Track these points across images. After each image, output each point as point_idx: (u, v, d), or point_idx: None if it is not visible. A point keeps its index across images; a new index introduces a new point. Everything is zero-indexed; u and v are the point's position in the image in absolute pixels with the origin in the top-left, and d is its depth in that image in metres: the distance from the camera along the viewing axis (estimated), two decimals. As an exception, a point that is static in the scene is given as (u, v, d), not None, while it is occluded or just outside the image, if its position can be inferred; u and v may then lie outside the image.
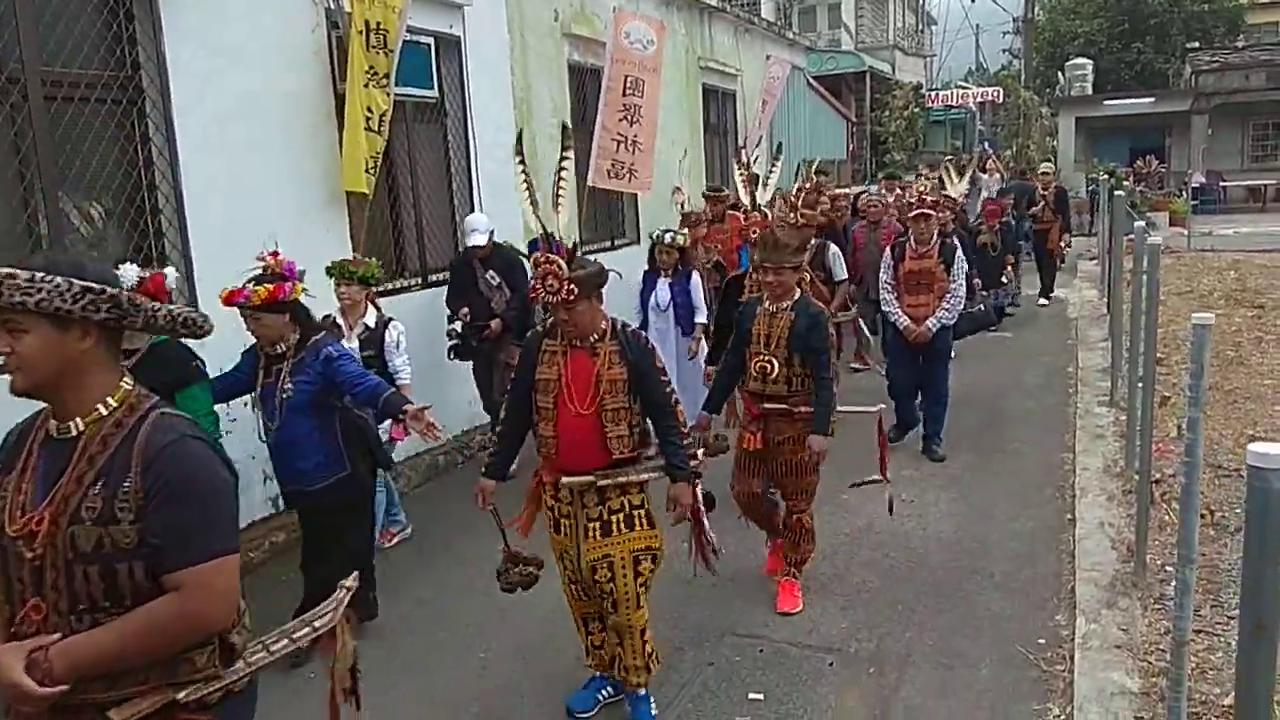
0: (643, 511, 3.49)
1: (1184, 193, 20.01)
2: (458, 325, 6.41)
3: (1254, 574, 1.90)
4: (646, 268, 6.98)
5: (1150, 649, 3.86)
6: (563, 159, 4.43)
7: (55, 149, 4.69)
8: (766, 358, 4.28)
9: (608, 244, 9.80)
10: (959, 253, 6.44)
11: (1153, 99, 24.69)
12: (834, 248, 7.08)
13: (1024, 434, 7.05)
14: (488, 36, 7.67)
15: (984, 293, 8.64)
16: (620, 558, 3.45)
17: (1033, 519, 5.43)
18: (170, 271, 3.92)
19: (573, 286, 3.27)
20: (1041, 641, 4.10)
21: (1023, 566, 4.84)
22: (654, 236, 6.91)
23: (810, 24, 25.62)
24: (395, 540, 5.54)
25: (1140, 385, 5.18)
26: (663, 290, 6.78)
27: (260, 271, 4.11)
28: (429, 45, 7.06)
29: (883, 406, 4.80)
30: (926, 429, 6.65)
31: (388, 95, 5.99)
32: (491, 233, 6.48)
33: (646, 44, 8.30)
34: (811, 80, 17.85)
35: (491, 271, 6.47)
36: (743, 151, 8.48)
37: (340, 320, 5.18)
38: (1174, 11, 29.94)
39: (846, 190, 12.04)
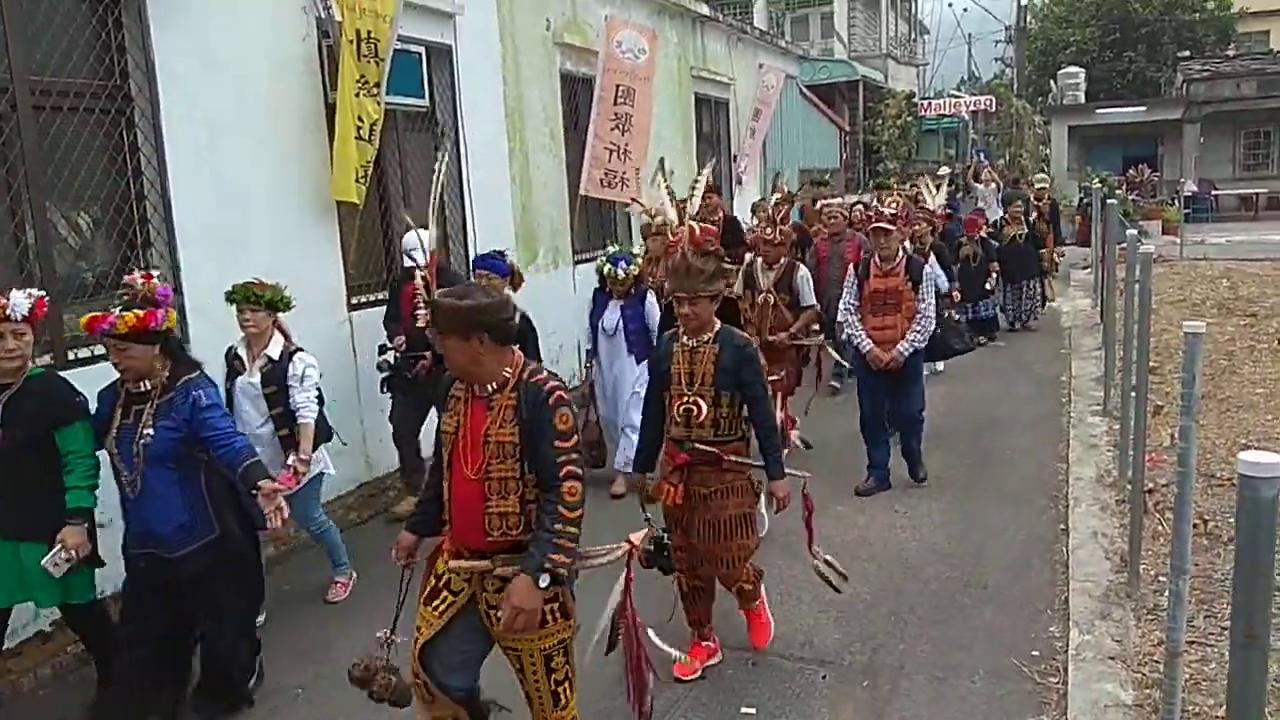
0: (556, 605, 2.92)
1: (1176, 201, 20.07)
2: (390, 356, 5.83)
3: (1245, 583, 1.89)
4: (596, 287, 6.50)
5: (1144, 660, 3.85)
6: (437, 165, 4.29)
7: (43, 158, 4.66)
8: (691, 398, 3.79)
9: (600, 251, 9.81)
10: (927, 269, 6.08)
11: (1145, 107, 24.78)
12: (804, 269, 6.54)
13: (1017, 444, 7.04)
14: (479, 46, 7.67)
15: (954, 315, 7.76)
16: (529, 654, 2.96)
17: (1026, 529, 5.42)
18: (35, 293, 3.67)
19: (429, 313, 2.95)
20: (1035, 653, 4.08)
21: (1016, 577, 4.82)
22: (602, 267, 6.34)
23: (803, 33, 25.72)
24: (347, 592, 5.03)
25: (1133, 394, 5.17)
26: (611, 314, 6.30)
27: (127, 295, 3.62)
28: (420, 54, 7.05)
29: (808, 475, 4.10)
30: (905, 453, 6.28)
31: (378, 104, 5.98)
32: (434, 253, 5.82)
33: (638, 53, 8.32)
34: (804, 89, 17.91)
35: None
36: (664, 162, 7.73)
37: (242, 352, 4.71)
38: (1165, 20, 30.12)
39: (839, 200, 11.70)
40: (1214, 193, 23.54)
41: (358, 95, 5.85)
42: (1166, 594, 3.58)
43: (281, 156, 5.82)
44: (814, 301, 6.45)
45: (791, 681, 3.96)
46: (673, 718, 3.74)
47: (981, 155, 19.83)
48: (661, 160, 9.01)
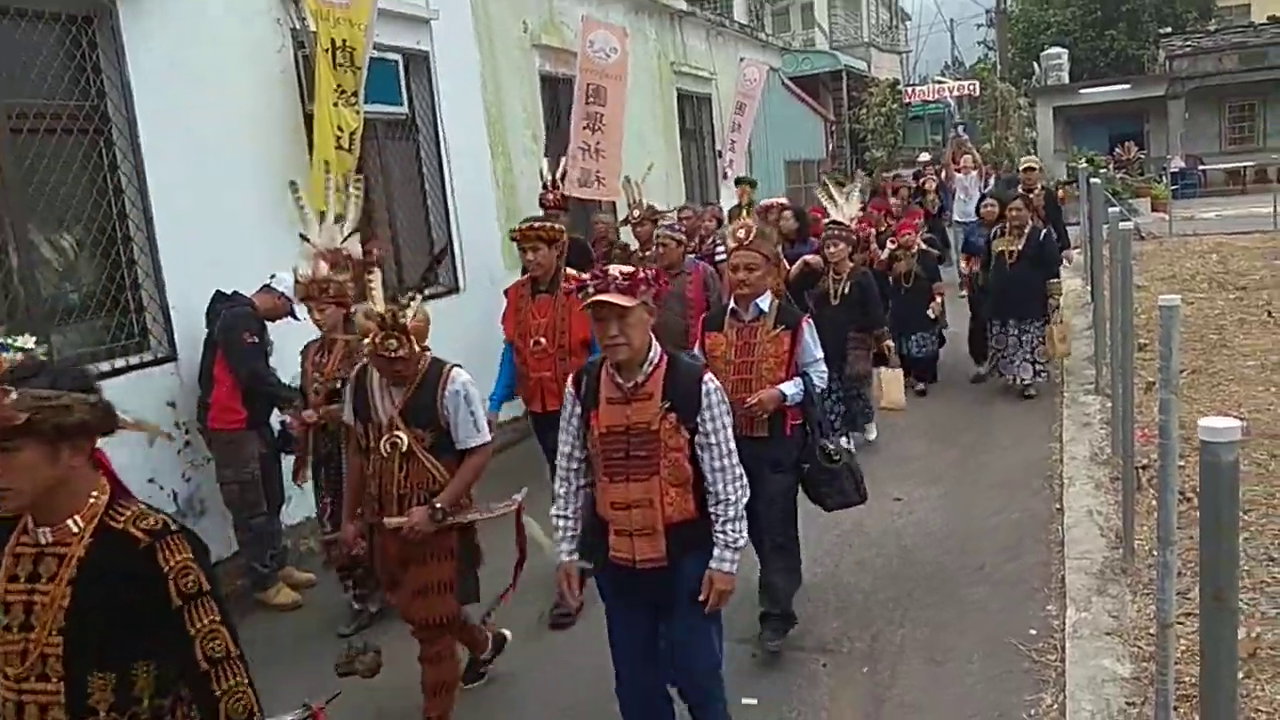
0: None
1: (1164, 178, 20.14)
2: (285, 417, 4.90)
3: (1210, 545, 1.93)
4: None
5: (1140, 634, 3.87)
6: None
7: (23, 180, 4.66)
8: None
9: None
10: (711, 383, 2.96)
11: (1129, 85, 24.86)
12: (459, 378, 3.50)
13: (1011, 425, 7.07)
14: (457, 51, 7.68)
15: (828, 446, 4.15)
16: None
17: (1021, 510, 5.44)
18: None
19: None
20: (1033, 632, 4.10)
21: (1012, 558, 4.85)
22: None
23: (784, 25, 25.72)
24: None
25: (1121, 371, 5.19)
26: None
27: None
28: (397, 61, 7.06)
29: None
30: None
31: (357, 113, 5.98)
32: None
33: (610, 52, 8.35)
34: (787, 81, 17.92)
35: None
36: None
37: None
38: (1145, -2, 30.22)
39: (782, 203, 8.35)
40: (1201, 168, 23.65)
41: (336, 105, 5.85)
42: (1158, 568, 3.60)
43: (263, 169, 5.82)
44: (485, 437, 3.56)
45: (792, 671, 3.97)
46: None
47: (961, 130, 18.53)
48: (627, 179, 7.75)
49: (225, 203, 5.52)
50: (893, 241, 7.84)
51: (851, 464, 4.22)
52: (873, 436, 6.79)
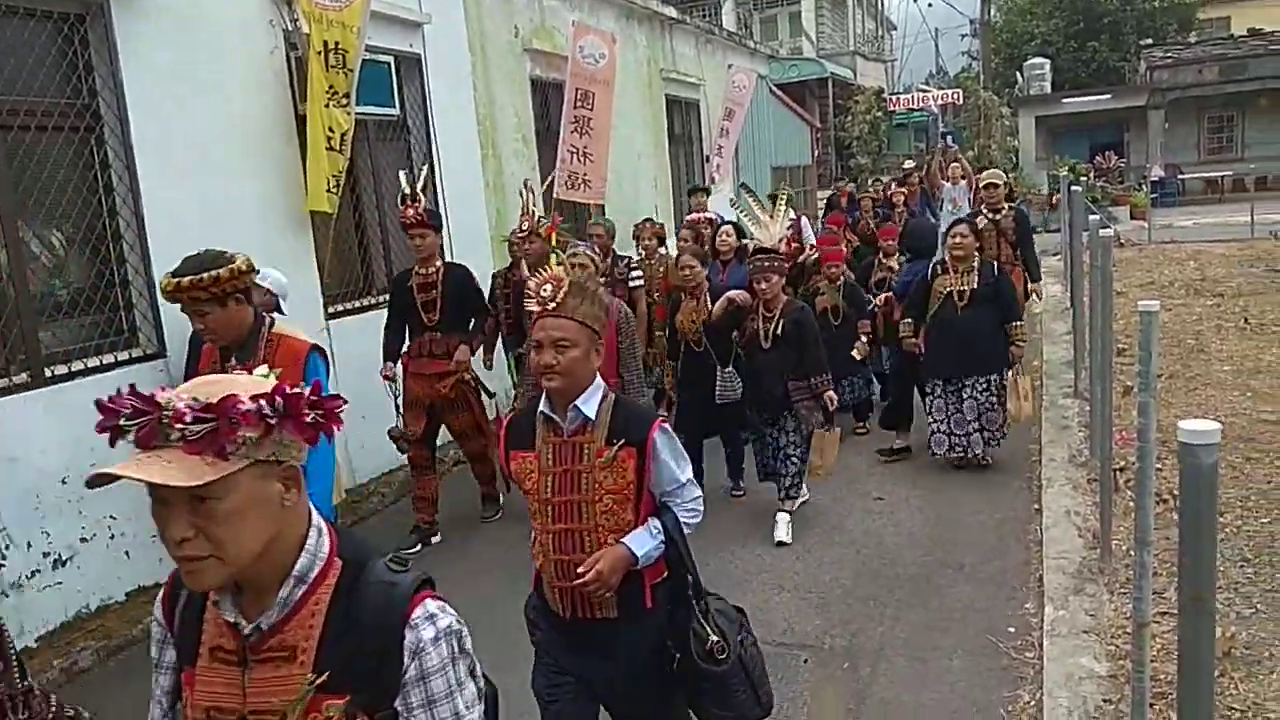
0: None
1: (1143, 186, 20.38)
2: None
3: (1189, 547, 1.96)
4: None
5: (1117, 633, 3.93)
6: None
7: (14, 178, 4.67)
8: None
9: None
10: (425, 635, 1.42)
11: (1110, 96, 25.12)
12: None
13: (992, 428, 7.14)
14: (448, 54, 7.72)
15: (712, 633, 2.55)
16: None
17: (1001, 511, 5.52)
18: None
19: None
20: (1011, 630, 4.16)
21: (992, 558, 4.92)
22: None
23: (772, 32, 25.90)
24: None
25: (1099, 375, 5.28)
26: None
27: None
28: (389, 64, 7.09)
29: None
30: None
31: (348, 114, 6.01)
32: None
33: (598, 58, 8.41)
34: (774, 88, 18.05)
35: None
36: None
37: None
38: (1127, 10, 30.56)
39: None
40: (1180, 177, 23.93)
41: (327, 106, 5.89)
42: (1134, 567, 3.67)
43: (253, 169, 5.84)
44: None
45: (773, 667, 3.97)
46: (658, 707, 3.78)
47: (949, 140, 18.15)
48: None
49: (216, 201, 5.54)
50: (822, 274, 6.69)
51: (745, 657, 2.62)
52: (806, 497, 5.72)
